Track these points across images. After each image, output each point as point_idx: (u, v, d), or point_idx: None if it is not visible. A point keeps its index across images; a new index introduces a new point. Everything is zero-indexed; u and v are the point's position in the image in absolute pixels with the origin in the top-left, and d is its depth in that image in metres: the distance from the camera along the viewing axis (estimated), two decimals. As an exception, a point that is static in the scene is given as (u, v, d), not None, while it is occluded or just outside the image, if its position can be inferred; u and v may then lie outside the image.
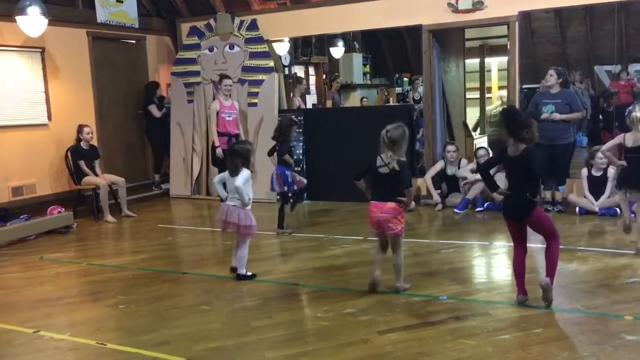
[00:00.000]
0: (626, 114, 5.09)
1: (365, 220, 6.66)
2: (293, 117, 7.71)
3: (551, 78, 6.71)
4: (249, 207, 4.80)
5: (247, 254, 4.85)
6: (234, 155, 4.85)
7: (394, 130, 4.19)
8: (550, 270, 3.94)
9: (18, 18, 7.01)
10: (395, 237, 4.31)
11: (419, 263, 5.19)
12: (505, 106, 4.89)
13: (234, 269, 4.91)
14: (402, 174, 4.21)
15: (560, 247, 5.21)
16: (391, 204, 4.22)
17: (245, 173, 4.77)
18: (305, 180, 6.66)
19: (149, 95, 9.14)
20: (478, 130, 10.24)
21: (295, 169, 7.24)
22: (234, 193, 4.77)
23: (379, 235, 4.38)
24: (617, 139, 5.14)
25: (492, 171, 4.31)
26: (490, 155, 7.41)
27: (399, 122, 4.28)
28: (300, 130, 8.19)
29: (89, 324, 4.10)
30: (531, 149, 3.92)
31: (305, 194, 8.23)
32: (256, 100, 8.43)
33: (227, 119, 7.69)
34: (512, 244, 4.19)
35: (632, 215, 5.29)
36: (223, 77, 7.84)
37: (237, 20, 8.64)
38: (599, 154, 6.56)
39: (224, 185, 4.92)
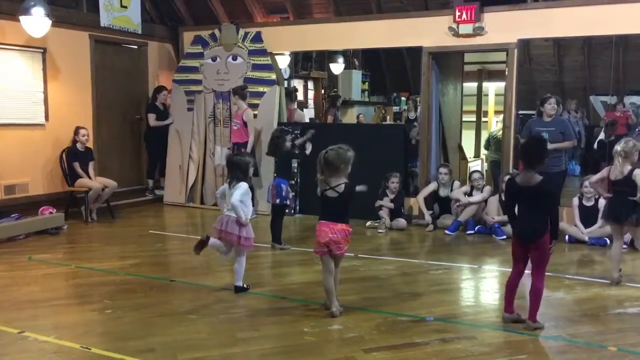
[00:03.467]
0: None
1: (354, 237, 6.69)
2: (284, 127, 7.74)
3: (557, 107, 6.84)
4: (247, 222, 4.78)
5: (243, 265, 4.83)
6: (232, 167, 4.88)
7: (333, 152, 4.16)
8: (533, 308, 4.02)
9: (22, 18, 7.04)
10: (341, 257, 4.34)
11: (407, 283, 5.21)
12: (533, 135, 4.96)
13: (205, 239, 4.79)
14: (344, 201, 4.19)
15: (548, 274, 5.30)
16: (342, 226, 4.21)
17: (242, 187, 4.75)
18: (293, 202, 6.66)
19: (151, 100, 9.16)
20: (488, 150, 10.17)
21: (290, 182, 7.29)
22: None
23: (326, 256, 4.28)
24: (604, 172, 5.22)
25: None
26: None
27: (342, 144, 4.25)
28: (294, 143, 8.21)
29: (74, 327, 4.09)
30: (548, 179, 4.02)
31: (298, 208, 8.27)
32: (256, 112, 8.44)
33: (233, 127, 8.00)
34: (501, 268, 4.24)
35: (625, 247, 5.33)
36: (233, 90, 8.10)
37: (241, 31, 8.69)
38: (585, 183, 6.64)
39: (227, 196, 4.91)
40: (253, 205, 7.86)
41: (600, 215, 6.46)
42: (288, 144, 6.56)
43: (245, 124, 7.82)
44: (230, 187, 4.80)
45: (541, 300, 4.04)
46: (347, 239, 4.26)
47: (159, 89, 9.12)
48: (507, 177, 6.94)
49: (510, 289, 4.16)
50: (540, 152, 4.07)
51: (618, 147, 4.99)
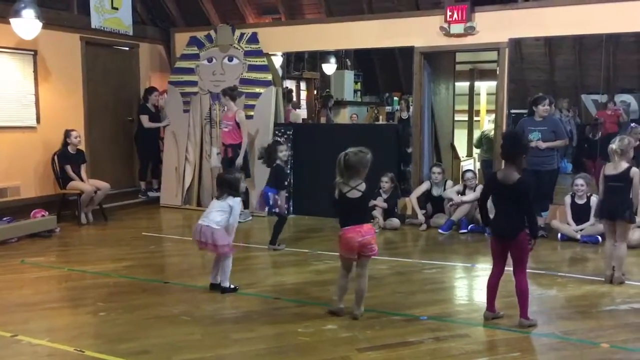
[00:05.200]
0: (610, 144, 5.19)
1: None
2: (278, 139, 7.76)
3: (549, 108, 6.86)
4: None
5: (230, 266, 4.85)
6: (222, 185, 4.91)
7: (353, 155, 4.10)
8: (523, 307, 4.06)
9: (12, 20, 7.01)
10: (369, 259, 4.23)
11: (401, 282, 5.23)
12: (509, 129, 5.02)
13: (213, 285, 4.90)
14: (367, 201, 4.22)
15: (541, 272, 5.35)
16: (368, 225, 4.17)
17: (237, 203, 4.81)
18: (285, 211, 6.57)
19: (143, 101, 9.11)
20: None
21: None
22: (210, 214, 4.79)
23: (348, 260, 4.26)
24: (602, 169, 5.21)
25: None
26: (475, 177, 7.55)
27: (361, 147, 4.18)
28: (289, 144, 8.21)
29: (67, 330, 4.07)
30: (526, 180, 4.07)
31: (291, 209, 8.28)
32: (252, 113, 8.40)
33: (223, 129, 7.92)
34: (494, 267, 4.25)
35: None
36: (223, 91, 8.00)
37: (237, 32, 8.67)
38: (577, 181, 6.67)
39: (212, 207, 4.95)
40: (247, 208, 7.94)
41: (592, 213, 6.51)
42: (281, 154, 6.54)
43: (237, 125, 7.81)
44: (220, 199, 4.85)
45: (529, 297, 4.07)
46: (375, 238, 4.19)
47: (151, 90, 9.09)
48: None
49: (490, 289, 4.20)
50: (514, 144, 4.10)
51: (613, 146, 4.99)
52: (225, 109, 7.98)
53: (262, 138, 8.31)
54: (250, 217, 7.89)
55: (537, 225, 4.08)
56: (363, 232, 4.11)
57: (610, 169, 5.06)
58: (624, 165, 4.97)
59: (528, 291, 4.07)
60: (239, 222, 7.18)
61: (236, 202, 4.82)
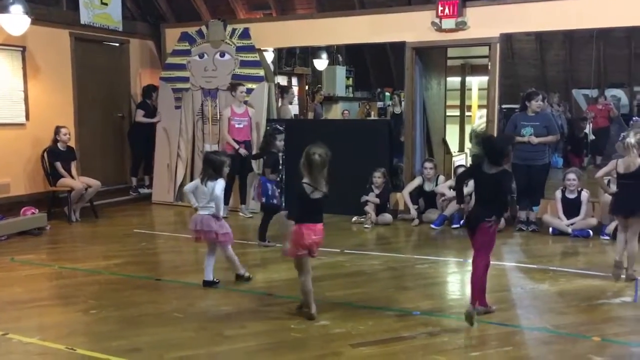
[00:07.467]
0: (620, 139, 5.15)
1: (340, 233, 6.70)
2: (278, 126, 7.75)
3: (542, 104, 6.90)
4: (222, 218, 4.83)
5: (234, 255, 4.94)
6: (206, 164, 4.89)
7: (320, 155, 4.06)
8: (477, 293, 4.12)
9: (0, 16, 6.94)
10: (312, 258, 4.24)
11: (393, 277, 5.23)
12: (484, 135, 5.02)
13: (206, 282, 4.88)
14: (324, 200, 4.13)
15: (533, 266, 5.37)
16: (321, 225, 4.13)
17: (221, 183, 4.80)
18: (281, 202, 6.51)
19: (143, 97, 9.08)
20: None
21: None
22: (207, 202, 4.79)
23: (299, 258, 4.15)
24: (611, 165, 5.10)
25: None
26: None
27: (320, 144, 4.13)
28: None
29: (58, 328, 4.05)
30: (507, 171, 4.06)
31: (283, 205, 8.25)
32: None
33: (236, 126, 7.86)
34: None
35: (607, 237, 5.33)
36: (237, 84, 7.97)
37: (229, 28, 8.62)
38: (569, 175, 6.69)
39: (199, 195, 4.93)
40: (244, 203, 7.92)
41: (584, 207, 6.55)
42: (279, 143, 6.52)
43: (251, 119, 7.85)
44: (202, 183, 4.83)
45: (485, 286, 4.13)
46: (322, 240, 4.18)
47: (153, 87, 9.08)
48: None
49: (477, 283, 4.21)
50: (492, 150, 4.09)
51: (632, 140, 4.85)
52: (242, 103, 7.99)
53: (255, 134, 8.30)
54: (251, 215, 7.83)
55: (505, 211, 4.14)
56: (317, 231, 4.09)
57: (623, 167, 4.93)
58: (638, 161, 4.86)
59: (483, 280, 4.13)
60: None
61: (220, 182, 4.80)
